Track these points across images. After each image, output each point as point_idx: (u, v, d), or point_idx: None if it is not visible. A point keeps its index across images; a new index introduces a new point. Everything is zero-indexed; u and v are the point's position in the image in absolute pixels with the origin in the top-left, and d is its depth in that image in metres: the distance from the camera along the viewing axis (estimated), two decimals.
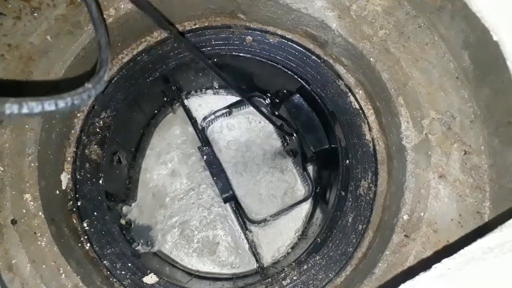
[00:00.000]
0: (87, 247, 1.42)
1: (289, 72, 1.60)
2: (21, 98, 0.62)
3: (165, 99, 1.95)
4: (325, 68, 1.58)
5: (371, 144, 1.50)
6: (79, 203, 1.44)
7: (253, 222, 1.93)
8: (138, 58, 1.59)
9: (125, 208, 1.91)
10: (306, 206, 2.02)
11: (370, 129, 1.51)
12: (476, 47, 1.20)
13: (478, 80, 1.24)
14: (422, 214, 1.23)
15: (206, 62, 1.41)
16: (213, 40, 1.62)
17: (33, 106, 0.64)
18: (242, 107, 2.10)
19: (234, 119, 2.12)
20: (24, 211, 1.25)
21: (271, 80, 1.79)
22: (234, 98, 2.10)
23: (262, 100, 2.02)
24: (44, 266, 1.24)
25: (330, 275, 1.39)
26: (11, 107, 0.61)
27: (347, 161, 1.50)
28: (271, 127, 2.12)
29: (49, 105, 0.67)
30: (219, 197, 1.99)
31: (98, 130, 1.51)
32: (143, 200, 1.99)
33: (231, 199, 1.85)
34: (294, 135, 1.85)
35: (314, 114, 1.70)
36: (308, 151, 1.75)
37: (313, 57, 1.59)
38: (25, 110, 0.63)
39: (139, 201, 1.98)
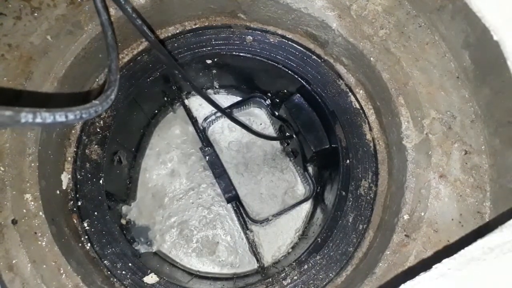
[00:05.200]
0: (87, 247, 1.42)
1: (289, 71, 1.60)
2: (35, 109, 0.67)
3: (165, 98, 1.95)
4: (325, 67, 1.58)
5: (371, 144, 1.50)
6: (79, 203, 1.44)
7: (255, 221, 1.93)
8: (139, 58, 1.59)
9: (124, 208, 1.92)
10: (306, 206, 2.02)
11: (370, 129, 1.51)
12: (476, 46, 1.20)
13: (478, 79, 1.23)
14: (422, 214, 1.23)
15: (190, 81, 1.44)
16: (213, 40, 1.62)
17: (46, 116, 0.69)
18: (243, 108, 2.10)
19: None
20: (24, 211, 1.25)
21: (271, 80, 1.79)
22: (234, 98, 2.10)
23: (262, 101, 2.02)
24: (44, 266, 1.24)
25: (330, 275, 1.39)
26: (26, 116, 0.65)
27: (348, 161, 1.50)
28: (271, 128, 2.12)
29: (60, 116, 0.72)
30: (219, 196, 2.00)
31: (98, 130, 1.51)
32: (142, 200, 1.99)
33: (234, 199, 1.85)
34: (294, 136, 1.85)
35: (314, 114, 1.70)
36: (309, 151, 1.75)
37: (314, 56, 1.59)
38: (38, 119, 0.67)
39: (138, 201, 1.98)
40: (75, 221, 1.43)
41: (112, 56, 1.13)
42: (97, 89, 1.55)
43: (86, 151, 1.49)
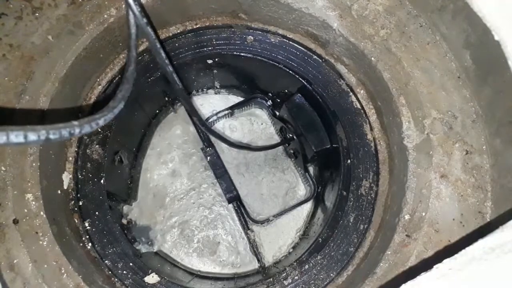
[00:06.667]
0: (88, 247, 1.42)
1: (290, 71, 1.60)
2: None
3: (166, 98, 1.95)
4: (326, 67, 1.58)
5: (372, 144, 1.50)
6: (80, 203, 1.44)
7: (256, 221, 1.93)
8: (139, 57, 1.59)
9: (126, 208, 1.92)
10: (307, 206, 2.02)
11: (371, 129, 1.51)
12: (477, 46, 1.20)
13: (479, 79, 1.23)
14: (423, 214, 1.22)
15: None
16: (214, 40, 1.62)
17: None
18: (244, 108, 2.10)
19: (236, 121, 2.12)
20: (25, 210, 1.25)
21: (272, 80, 1.79)
22: (235, 98, 2.11)
23: (263, 102, 2.02)
24: (45, 265, 1.24)
25: (331, 274, 1.39)
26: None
27: (349, 161, 1.50)
28: (272, 129, 2.12)
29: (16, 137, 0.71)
30: (220, 196, 2.00)
31: (99, 129, 1.51)
32: (143, 200, 1.99)
33: (235, 199, 1.85)
34: (295, 138, 1.85)
35: (315, 113, 1.70)
36: (310, 151, 1.74)
37: (315, 56, 1.59)
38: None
39: (139, 201, 1.98)
40: (76, 221, 1.43)
41: (123, 87, 1.15)
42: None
43: (87, 151, 1.49)
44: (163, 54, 1.19)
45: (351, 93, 1.55)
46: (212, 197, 2.03)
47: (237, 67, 1.78)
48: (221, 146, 2.08)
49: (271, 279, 1.43)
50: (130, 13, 1.14)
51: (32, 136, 0.71)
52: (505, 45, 1.06)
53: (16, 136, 0.68)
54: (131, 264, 1.42)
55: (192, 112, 1.44)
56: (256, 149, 1.94)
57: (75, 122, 0.84)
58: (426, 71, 1.32)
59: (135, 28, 1.20)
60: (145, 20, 1.13)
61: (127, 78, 1.17)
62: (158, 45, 1.17)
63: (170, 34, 1.63)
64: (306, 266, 1.41)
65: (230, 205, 1.95)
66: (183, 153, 2.07)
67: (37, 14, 1.36)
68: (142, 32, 1.16)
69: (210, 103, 2.12)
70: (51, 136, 0.75)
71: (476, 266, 0.85)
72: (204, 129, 1.57)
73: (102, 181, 1.48)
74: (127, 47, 1.22)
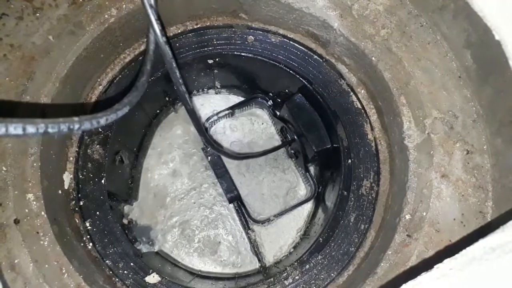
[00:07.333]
0: (89, 247, 1.42)
1: (291, 71, 1.60)
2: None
3: (167, 98, 1.95)
4: (327, 67, 1.58)
5: (373, 144, 1.49)
6: (81, 203, 1.45)
7: (257, 221, 1.93)
8: (140, 57, 1.59)
9: (126, 208, 1.92)
10: (308, 206, 2.02)
11: (372, 129, 1.51)
12: (478, 46, 1.20)
13: (480, 79, 1.23)
14: (424, 213, 1.22)
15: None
16: (215, 40, 1.62)
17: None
18: (244, 108, 2.10)
19: (237, 120, 2.12)
20: (26, 210, 1.25)
21: (273, 79, 1.79)
22: (236, 98, 2.11)
23: (264, 102, 2.02)
24: (46, 265, 1.24)
25: (332, 274, 1.39)
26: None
27: (349, 161, 1.50)
28: (273, 128, 2.12)
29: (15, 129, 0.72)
30: (221, 196, 2.00)
31: (100, 129, 1.51)
32: (144, 200, 1.99)
33: (236, 199, 1.85)
34: (296, 138, 1.85)
35: (316, 113, 1.70)
36: (310, 151, 1.74)
37: (315, 56, 1.59)
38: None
39: (140, 201, 1.98)
40: (77, 221, 1.44)
41: (132, 93, 1.15)
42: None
43: (88, 151, 1.49)
44: (178, 74, 1.19)
45: (351, 93, 1.55)
46: (213, 197, 2.03)
47: (238, 67, 1.78)
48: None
49: (272, 279, 1.43)
50: (151, 30, 1.14)
51: (30, 129, 0.71)
52: (505, 44, 1.06)
53: (15, 128, 0.69)
54: (132, 264, 1.43)
55: (200, 132, 1.45)
56: (258, 155, 1.93)
57: (75, 118, 0.85)
58: (427, 70, 1.32)
59: (153, 45, 1.22)
60: (164, 38, 1.13)
61: (138, 86, 1.18)
62: (174, 65, 1.17)
63: (171, 34, 1.63)
64: (307, 266, 1.41)
65: (231, 205, 1.95)
66: (183, 153, 2.07)
67: (38, 14, 1.36)
68: (159, 49, 1.17)
69: (210, 103, 2.12)
70: (50, 130, 0.75)
71: (477, 266, 0.85)
72: (211, 148, 1.59)
73: (103, 181, 1.48)
74: (142, 61, 1.25)
